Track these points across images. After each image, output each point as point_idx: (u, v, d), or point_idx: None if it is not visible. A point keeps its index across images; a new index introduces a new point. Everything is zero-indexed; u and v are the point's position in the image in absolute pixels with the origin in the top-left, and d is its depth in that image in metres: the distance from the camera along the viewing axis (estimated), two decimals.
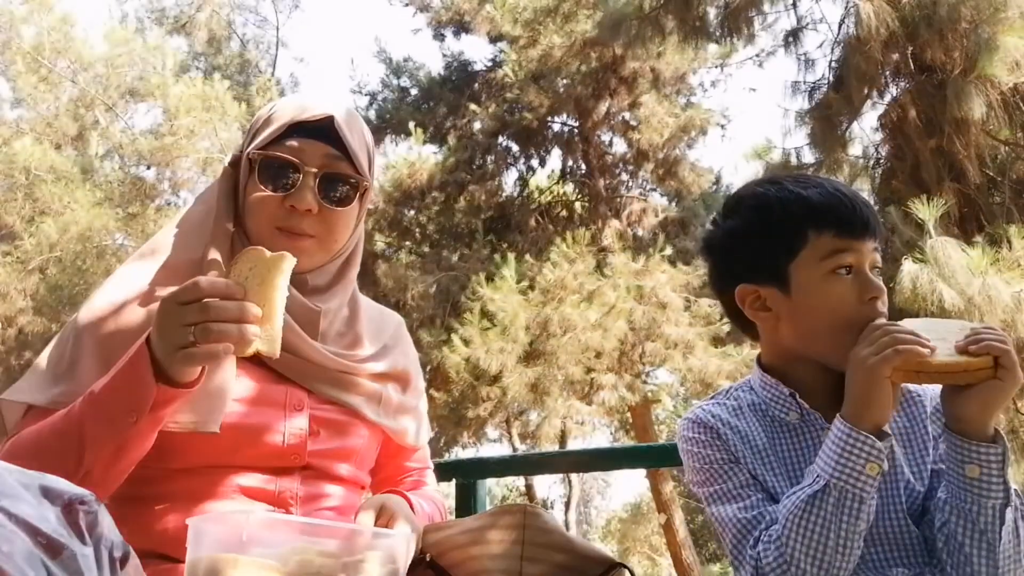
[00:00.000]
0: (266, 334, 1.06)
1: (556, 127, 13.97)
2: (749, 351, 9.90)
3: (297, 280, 1.33)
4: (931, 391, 1.29)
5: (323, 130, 1.29)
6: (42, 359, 1.25)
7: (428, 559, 1.22)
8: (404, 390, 1.46)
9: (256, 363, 1.27)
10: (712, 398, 1.41)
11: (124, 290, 1.28)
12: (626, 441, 17.37)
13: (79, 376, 1.20)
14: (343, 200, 1.32)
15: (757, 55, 11.66)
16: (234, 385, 1.23)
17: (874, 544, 1.20)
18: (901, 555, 1.19)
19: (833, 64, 7.30)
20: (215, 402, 1.18)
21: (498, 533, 1.19)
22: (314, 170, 1.28)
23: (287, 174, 1.28)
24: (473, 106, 13.39)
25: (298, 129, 1.30)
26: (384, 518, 1.21)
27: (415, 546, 1.19)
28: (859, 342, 1.14)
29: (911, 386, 1.31)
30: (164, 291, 1.26)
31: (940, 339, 1.13)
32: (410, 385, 1.48)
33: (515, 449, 14.37)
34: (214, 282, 1.05)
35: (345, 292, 1.41)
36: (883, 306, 1.23)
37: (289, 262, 1.10)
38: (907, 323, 1.16)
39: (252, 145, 1.32)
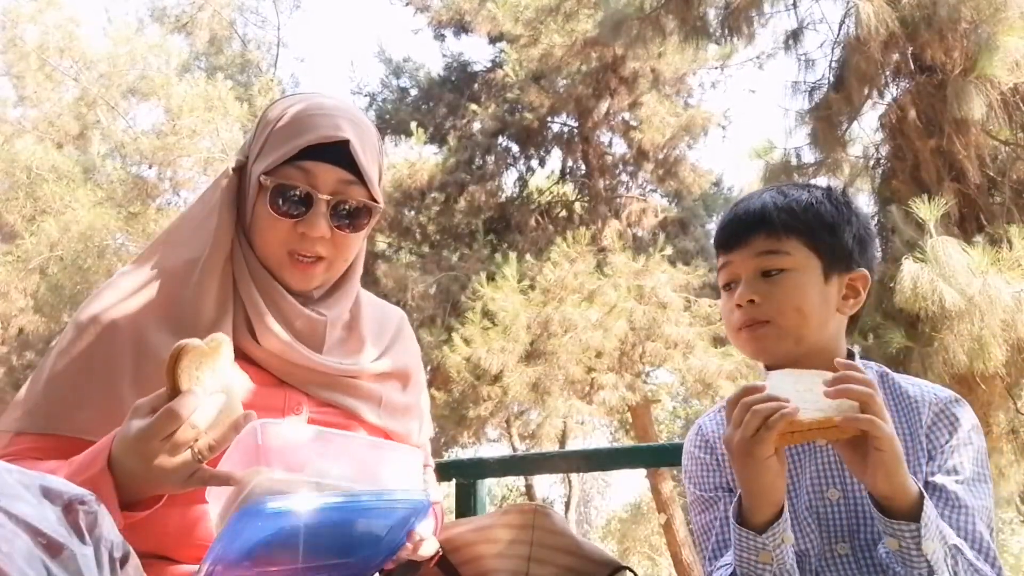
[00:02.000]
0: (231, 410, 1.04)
1: (556, 127, 13.96)
2: None
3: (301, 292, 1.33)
4: (930, 397, 1.28)
5: (337, 151, 1.25)
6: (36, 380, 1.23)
7: (439, 552, 1.22)
8: (405, 388, 1.44)
9: (254, 367, 1.27)
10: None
11: (118, 294, 1.26)
12: (626, 441, 17.36)
13: (66, 395, 1.18)
14: (356, 226, 1.29)
15: (757, 56, 11.67)
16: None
17: (865, 549, 1.21)
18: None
19: (833, 64, 7.29)
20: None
21: (507, 532, 1.19)
22: (327, 197, 1.25)
23: (299, 201, 1.25)
24: (473, 106, 13.37)
25: (311, 148, 1.24)
26: None
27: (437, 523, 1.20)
28: (728, 424, 1.10)
29: (910, 393, 1.30)
30: (156, 292, 1.25)
31: (807, 389, 1.09)
32: (411, 382, 1.46)
33: (515, 449, 14.36)
34: (183, 401, 0.97)
35: (348, 298, 1.39)
36: (754, 312, 1.26)
37: (227, 343, 1.06)
38: (773, 376, 1.14)
39: (261, 161, 1.28)
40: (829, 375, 1.11)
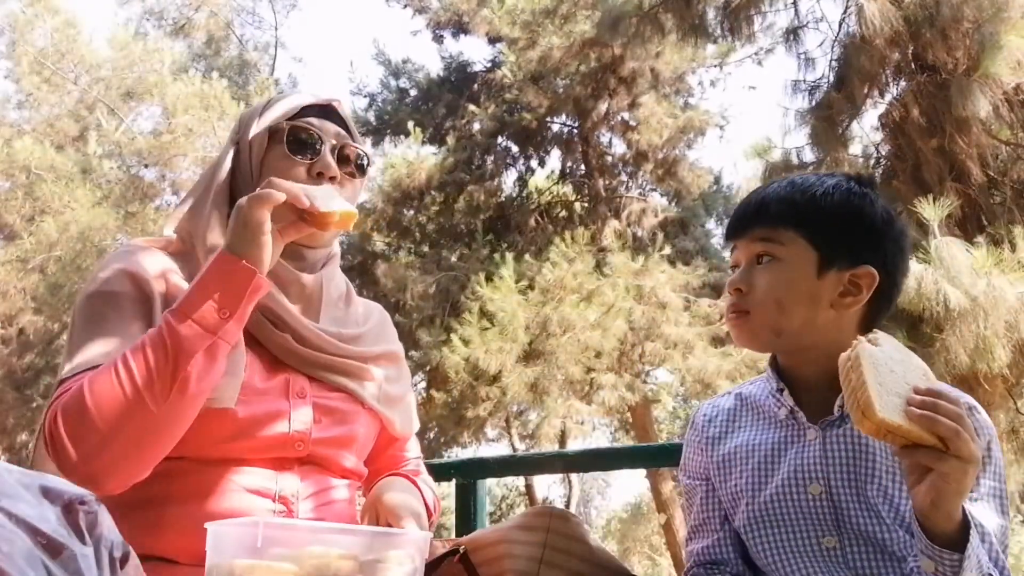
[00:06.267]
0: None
1: (555, 127, 13.98)
2: (748, 351, 9.88)
3: (298, 253, 1.35)
4: None
5: (329, 112, 1.40)
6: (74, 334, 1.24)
7: (462, 551, 1.22)
8: (396, 377, 1.48)
9: (258, 348, 1.28)
10: (729, 391, 1.45)
11: (148, 261, 1.28)
12: (626, 441, 17.37)
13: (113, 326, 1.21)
14: (356, 173, 1.40)
15: (756, 53, 11.67)
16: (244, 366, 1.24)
17: (853, 543, 1.20)
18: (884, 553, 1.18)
19: (834, 63, 7.30)
20: (231, 379, 1.19)
21: (522, 533, 1.19)
22: (332, 142, 1.37)
23: (313, 144, 1.35)
24: (472, 107, 13.38)
25: (309, 111, 1.39)
26: (402, 520, 1.24)
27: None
28: None
29: None
30: (182, 270, 1.30)
31: (902, 373, 1.02)
32: (400, 372, 1.50)
33: (515, 449, 14.37)
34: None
35: (334, 267, 1.45)
36: (739, 297, 1.28)
37: None
38: (882, 338, 1.07)
39: (264, 121, 1.37)
40: (925, 369, 1.07)
